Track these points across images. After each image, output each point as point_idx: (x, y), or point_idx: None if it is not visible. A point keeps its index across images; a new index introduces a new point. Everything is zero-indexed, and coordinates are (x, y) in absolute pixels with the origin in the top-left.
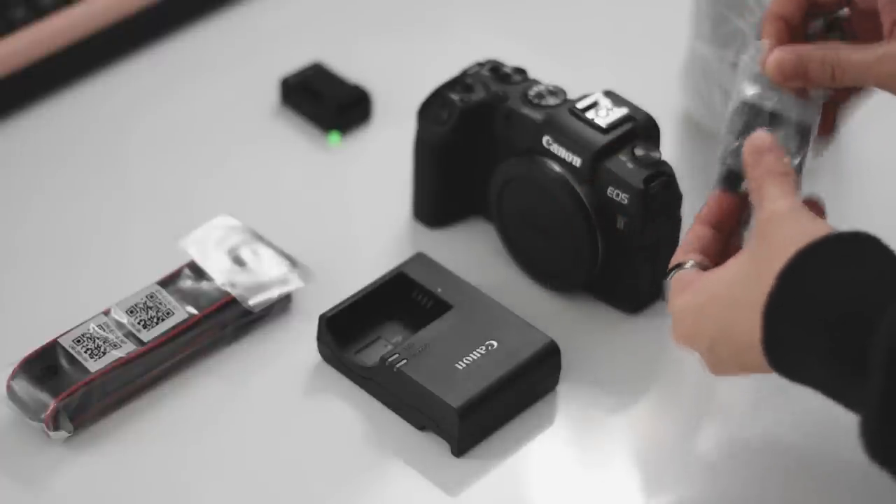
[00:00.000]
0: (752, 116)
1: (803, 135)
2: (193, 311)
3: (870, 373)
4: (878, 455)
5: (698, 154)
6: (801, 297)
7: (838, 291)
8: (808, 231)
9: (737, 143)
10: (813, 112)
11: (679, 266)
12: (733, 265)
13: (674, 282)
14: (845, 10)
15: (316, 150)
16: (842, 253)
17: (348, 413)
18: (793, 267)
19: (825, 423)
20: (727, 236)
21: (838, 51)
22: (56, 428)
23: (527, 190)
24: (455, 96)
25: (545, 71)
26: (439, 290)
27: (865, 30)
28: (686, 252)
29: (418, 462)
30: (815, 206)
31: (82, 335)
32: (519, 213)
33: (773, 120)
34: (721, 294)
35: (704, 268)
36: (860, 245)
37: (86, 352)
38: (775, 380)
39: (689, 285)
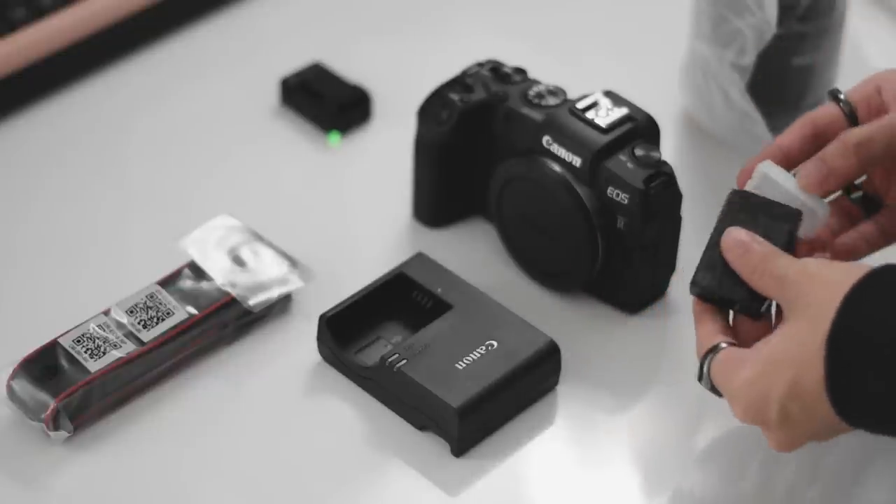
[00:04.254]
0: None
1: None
2: (193, 311)
3: None
4: None
5: (698, 154)
6: (862, 323)
7: None
8: (847, 270)
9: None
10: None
11: (713, 350)
12: (781, 330)
13: (721, 364)
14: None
15: (316, 150)
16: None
17: (348, 413)
18: (850, 300)
19: None
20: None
21: (856, 136)
22: (56, 428)
23: (527, 190)
24: (455, 96)
25: (545, 71)
26: (439, 290)
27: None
28: (711, 338)
29: (418, 462)
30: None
31: (82, 335)
32: (519, 213)
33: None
34: (779, 356)
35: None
36: None
37: (86, 352)
38: None
39: (742, 361)
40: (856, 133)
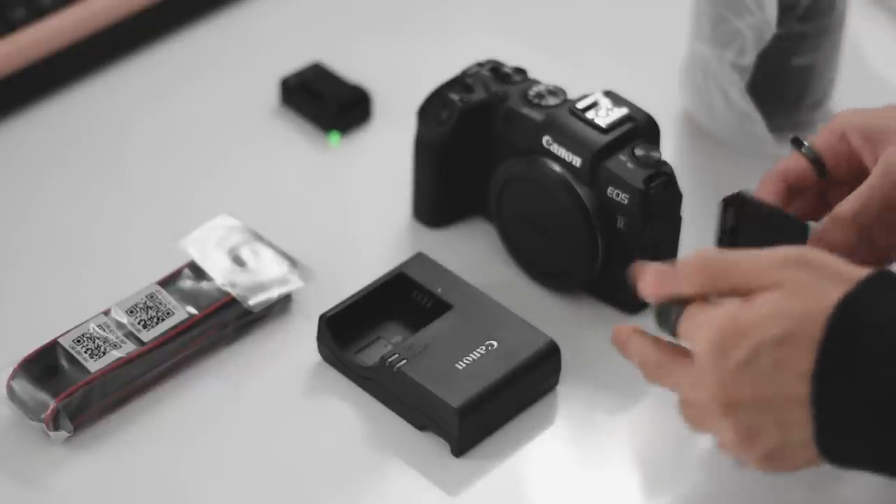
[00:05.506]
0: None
1: None
2: (193, 311)
3: None
4: None
5: (698, 154)
6: (876, 311)
7: None
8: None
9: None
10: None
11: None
12: (778, 290)
13: (699, 305)
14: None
15: (316, 150)
16: None
17: (348, 413)
18: (870, 281)
19: None
20: None
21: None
22: (56, 428)
23: (527, 190)
24: (455, 96)
25: (545, 70)
26: (439, 290)
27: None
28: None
29: (418, 462)
30: None
31: (82, 335)
32: (519, 213)
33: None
34: (784, 304)
35: None
36: None
37: (86, 352)
38: None
39: (727, 303)
40: (849, 207)
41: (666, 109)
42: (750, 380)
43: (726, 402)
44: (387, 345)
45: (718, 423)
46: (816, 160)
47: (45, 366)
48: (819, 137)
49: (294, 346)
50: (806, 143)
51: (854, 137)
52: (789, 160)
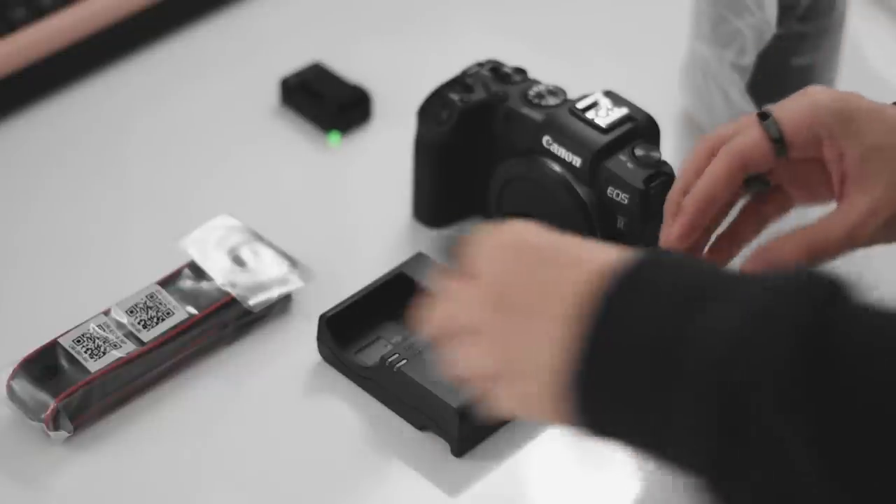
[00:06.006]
0: None
1: None
2: (193, 311)
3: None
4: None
5: None
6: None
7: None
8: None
9: None
10: None
11: None
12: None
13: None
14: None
15: (316, 150)
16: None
17: (348, 413)
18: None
19: None
20: None
21: (811, 237)
22: (56, 428)
23: (527, 190)
24: (455, 96)
25: (545, 71)
26: None
27: (800, 177)
28: None
29: (418, 462)
30: None
31: (82, 335)
32: (519, 213)
33: None
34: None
35: None
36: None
37: (86, 352)
38: None
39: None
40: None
41: (666, 109)
42: (522, 279)
43: (494, 301)
44: (387, 345)
45: (473, 340)
46: (780, 141)
47: (45, 366)
48: (789, 115)
49: (294, 346)
50: (772, 119)
51: (829, 148)
52: (748, 140)
